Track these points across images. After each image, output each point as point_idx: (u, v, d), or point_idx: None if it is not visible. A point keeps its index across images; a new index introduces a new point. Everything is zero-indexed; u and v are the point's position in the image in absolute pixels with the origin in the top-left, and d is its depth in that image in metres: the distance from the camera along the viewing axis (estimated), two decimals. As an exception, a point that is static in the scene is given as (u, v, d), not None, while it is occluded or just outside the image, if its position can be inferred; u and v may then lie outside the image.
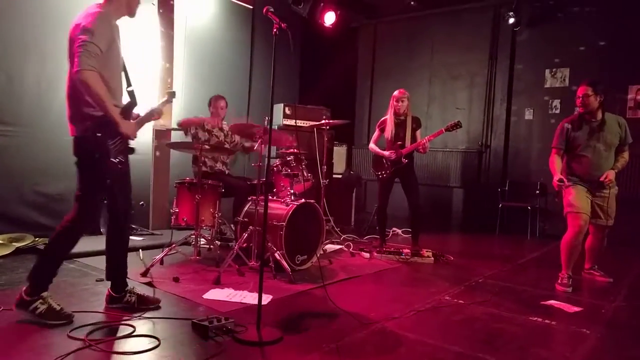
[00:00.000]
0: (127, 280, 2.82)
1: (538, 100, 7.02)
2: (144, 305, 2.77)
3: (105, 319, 2.58)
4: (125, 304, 2.75)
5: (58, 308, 2.48)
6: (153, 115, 2.93)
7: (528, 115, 7.12)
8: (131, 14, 2.67)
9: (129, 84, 2.70)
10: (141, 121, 2.86)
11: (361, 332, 2.61)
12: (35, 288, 2.46)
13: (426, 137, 4.75)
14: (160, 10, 5.56)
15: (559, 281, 3.80)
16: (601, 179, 3.77)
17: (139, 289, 2.88)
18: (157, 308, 2.78)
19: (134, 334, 2.38)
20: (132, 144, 2.68)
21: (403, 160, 4.75)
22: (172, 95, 3.25)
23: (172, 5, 5.68)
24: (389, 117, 4.87)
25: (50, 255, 2.58)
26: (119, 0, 2.57)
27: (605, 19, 6.42)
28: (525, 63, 7.15)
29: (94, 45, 2.32)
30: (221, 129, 4.89)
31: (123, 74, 2.68)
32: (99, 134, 2.45)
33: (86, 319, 2.53)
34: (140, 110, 2.88)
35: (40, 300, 2.45)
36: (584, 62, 6.58)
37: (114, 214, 2.72)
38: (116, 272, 2.79)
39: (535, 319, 3.01)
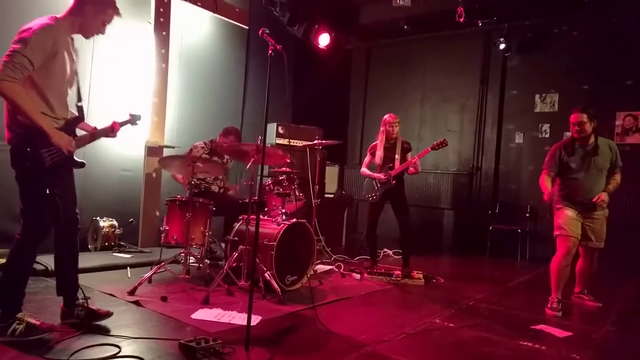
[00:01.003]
0: (114, 297, 2.77)
1: (528, 124, 7.12)
2: (93, 319, 2.71)
3: (88, 338, 2.52)
4: (75, 319, 2.70)
5: (37, 323, 2.45)
6: (107, 133, 2.91)
7: (518, 139, 7.22)
8: (85, 35, 2.68)
9: (79, 99, 2.73)
10: (93, 135, 2.83)
11: (351, 355, 2.58)
12: (7, 313, 2.43)
13: (415, 157, 4.80)
14: (156, 29, 5.60)
15: (549, 305, 3.80)
16: (594, 200, 3.81)
17: (94, 302, 2.84)
18: (108, 316, 2.75)
19: (119, 354, 2.33)
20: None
21: (392, 182, 4.77)
22: (135, 118, 3.18)
23: (168, 24, 5.73)
24: (379, 142, 4.93)
25: (12, 277, 2.50)
26: (74, 18, 2.58)
27: (593, 46, 6.56)
28: (515, 88, 7.27)
29: (23, 58, 2.31)
30: (222, 157, 4.88)
31: (75, 88, 2.70)
32: (30, 142, 2.41)
33: (70, 339, 2.48)
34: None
35: (17, 322, 2.41)
36: (573, 88, 6.71)
37: (56, 227, 2.62)
38: (66, 287, 2.75)
39: (526, 343, 2.99)
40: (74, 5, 2.57)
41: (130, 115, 3.18)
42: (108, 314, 2.77)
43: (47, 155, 2.44)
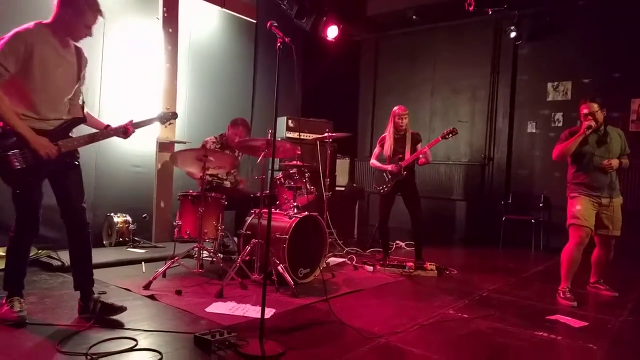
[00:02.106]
0: (129, 292, 2.80)
1: (540, 113, 7.03)
2: (108, 314, 2.75)
3: (107, 332, 2.56)
4: (91, 313, 2.73)
5: (17, 309, 2.58)
6: (117, 133, 2.90)
7: (531, 128, 7.13)
8: (72, 38, 2.70)
9: (80, 100, 2.80)
10: (94, 136, 2.83)
11: (365, 346, 2.58)
12: (10, 295, 2.66)
13: (425, 147, 4.77)
14: (164, 25, 5.62)
15: (561, 295, 3.78)
16: (604, 162, 3.79)
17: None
18: (122, 311, 2.78)
19: (136, 347, 2.36)
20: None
21: (402, 172, 4.75)
22: (165, 116, 3.24)
23: (177, 20, 5.74)
24: (388, 133, 4.91)
25: (9, 268, 2.70)
26: (58, 22, 2.62)
27: (606, 33, 6.45)
28: (527, 76, 7.18)
29: None
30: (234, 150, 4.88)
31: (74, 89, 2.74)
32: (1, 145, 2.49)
33: (88, 332, 2.52)
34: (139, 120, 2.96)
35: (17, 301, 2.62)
36: (585, 76, 6.60)
37: (66, 225, 2.78)
38: (82, 282, 2.81)
39: (541, 333, 2.97)
40: (55, 9, 2.61)
41: (159, 115, 3.24)
42: (122, 309, 2.80)
43: (17, 158, 2.49)
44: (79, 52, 2.80)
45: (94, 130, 2.89)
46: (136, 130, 2.99)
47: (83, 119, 2.84)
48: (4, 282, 2.72)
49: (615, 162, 3.83)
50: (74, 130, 2.80)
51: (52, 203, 2.78)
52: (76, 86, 2.78)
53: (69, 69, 2.71)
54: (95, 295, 2.80)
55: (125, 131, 2.92)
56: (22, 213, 2.63)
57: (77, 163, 2.80)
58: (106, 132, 2.88)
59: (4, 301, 2.66)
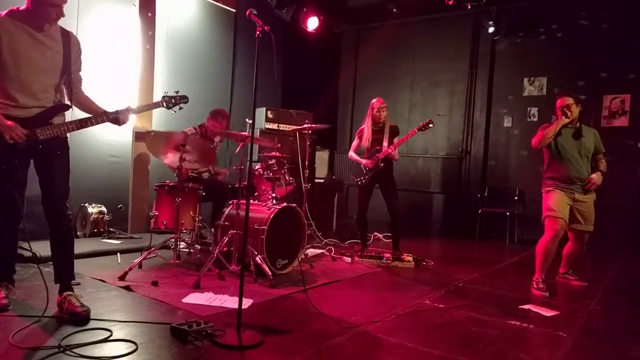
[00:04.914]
0: (104, 282, 2.76)
1: (516, 107, 7.15)
2: (71, 316, 2.60)
3: (79, 323, 2.51)
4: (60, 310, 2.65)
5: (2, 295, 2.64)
6: (108, 118, 2.79)
7: (507, 122, 7.25)
8: (44, 21, 2.59)
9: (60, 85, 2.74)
10: (82, 122, 2.73)
11: (342, 336, 2.60)
12: None
13: (401, 139, 4.80)
14: (141, 11, 5.50)
15: (535, 285, 3.87)
16: (587, 186, 3.89)
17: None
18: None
19: (110, 338, 2.33)
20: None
21: (380, 164, 4.78)
22: (178, 99, 3.18)
23: (154, 7, 5.62)
24: (366, 125, 4.92)
25: None
26: (27, 7, 2.56)
27: (581, 30, 6.59)
28: (504, 71, 7.29)
29: None
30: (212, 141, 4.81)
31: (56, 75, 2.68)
32: None
33: (60, 323, 2.48)
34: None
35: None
36: (560, 72, 6.74)
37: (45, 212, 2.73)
38: (61, 274, 2.76)
39: (514, 322, 3.04)
40: None
41: (163, 96, 3.18)
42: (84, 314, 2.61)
43: None
44: (66, 36, 2.71)
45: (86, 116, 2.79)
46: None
47: (67, 106, 2.75)
48: None
49: (596, 179, 3.89)
50: (61, 116, 2.71)
51: (28, 194, 2.72)
52: (62, 71, 2.68)
53: (48, 53, 2.63)
54: (66, 293, 2.70)
55: (117, 118, 2.80)
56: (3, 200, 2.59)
57: (59, 152, 2.70)
58: (98, 118, 2.76)
59: None
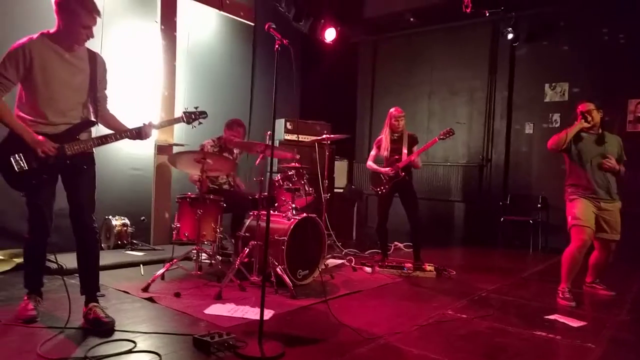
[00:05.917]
0: (128, 294, 2.80)
1: (538, 114, 7.05)
2: (95, 326, 2.64)
3: (104, 335, 2.56)
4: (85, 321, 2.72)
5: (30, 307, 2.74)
6: (132, 136, 2.87)
7: (528, 129, 7.15)
8: (76, 42, 2.70)
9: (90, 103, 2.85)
10: (104, 138, 2.82)
11: (364, 347, 2.59)
12: (30, 293, 2.83)
13: (420, 148, 4.78)
14: (163, 27, 5.63)
15: (561, 295, 3.78)
16: (604, 161, 3.83)
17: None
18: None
19: (135, 349, 2.36)
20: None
21: (400, 173, 4.76)
22: (197, 114, 3.27)
23: (175, 23, 5.75)
24: (384, 135, 4.92)
25: (27, 268, 2.86)
26: (58, 30, 2.66)
27: (603, 33, 6.47)
28: (524, 78, 7.20)
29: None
30: (232, 152, 4.89)
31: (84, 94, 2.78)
32: (2, 150, 2.57)
33: (86, 334, 2.52)
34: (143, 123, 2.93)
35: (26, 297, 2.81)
36: (583, 76, 6.63)
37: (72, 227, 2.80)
38: (84, 287, 2.85)
39: (540, 333, 2.98)
40: (56, 17, 2.66)
41: (183, 113, 3.28)
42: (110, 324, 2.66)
43: (17, 162, 2.54)
44: (93, 57, 2.83)
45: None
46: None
47: (93, 122, 2.85)
48: (23, 280, 2.86)
49: (614, 162, 3.85)
50: (87, 132, 2.82)
51: (55, 208, 2.80)
52: (89, 89, 2.79)
53: (78, 74, 2.74)
54: (91, 304, 2.76)
55: (139, 133, 2.88)
56: (29, 214, 2.71)
57: (86, 167, 2.79)
58: (120, 134, 2.85)
59: (25, 298, 2.82)
